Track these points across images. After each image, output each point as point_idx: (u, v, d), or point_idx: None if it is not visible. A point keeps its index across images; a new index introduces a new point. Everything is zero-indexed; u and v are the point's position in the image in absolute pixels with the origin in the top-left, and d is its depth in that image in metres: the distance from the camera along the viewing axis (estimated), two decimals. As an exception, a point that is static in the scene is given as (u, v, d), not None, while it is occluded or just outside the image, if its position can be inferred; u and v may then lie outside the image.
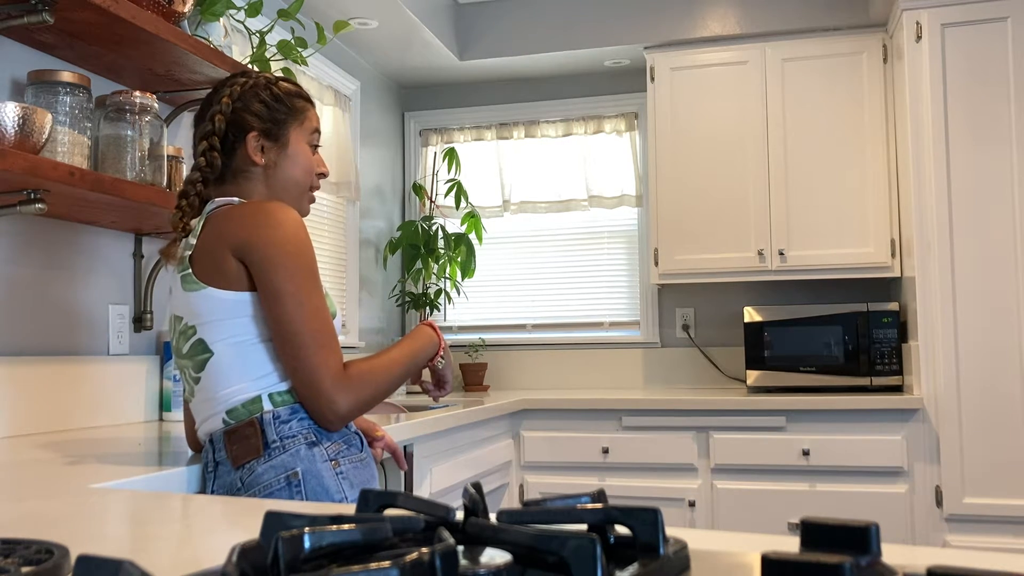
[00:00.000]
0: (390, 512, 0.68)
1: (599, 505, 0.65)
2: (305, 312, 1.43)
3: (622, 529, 0.65)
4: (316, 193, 1.93)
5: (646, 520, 0.62)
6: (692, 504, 3.23)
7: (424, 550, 0.51)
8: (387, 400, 2.98)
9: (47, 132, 1.74)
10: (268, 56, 2.46)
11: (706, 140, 3.67)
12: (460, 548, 0.58)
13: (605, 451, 3.32)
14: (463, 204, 4.00)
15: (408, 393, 3.81)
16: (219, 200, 1.54)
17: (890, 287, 3.72)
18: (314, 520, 0.61)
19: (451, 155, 4.02)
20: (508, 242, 4.29)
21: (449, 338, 4.18)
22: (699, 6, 3.73)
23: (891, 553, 0.71)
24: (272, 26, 2.53)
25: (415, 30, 3.63)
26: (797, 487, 3.15)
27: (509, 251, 4.29)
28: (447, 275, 4.04)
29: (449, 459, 2.64)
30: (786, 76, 3.60)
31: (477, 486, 0.70)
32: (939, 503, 3.05)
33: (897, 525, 3.06)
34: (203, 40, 2.20)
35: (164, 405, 2.47)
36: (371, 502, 0.73)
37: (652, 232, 3.71)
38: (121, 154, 2.02)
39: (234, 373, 1.45)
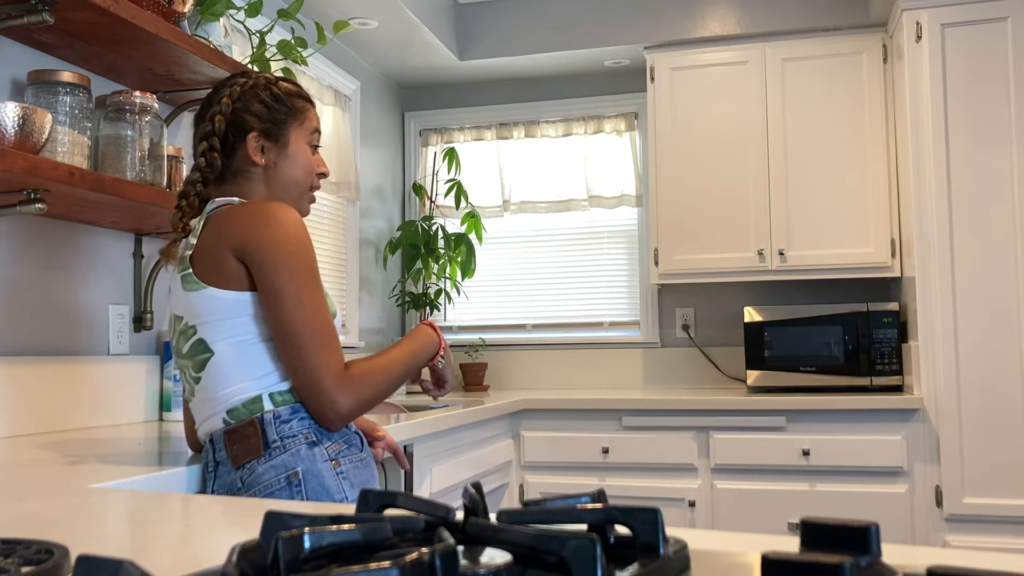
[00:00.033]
0: (390, 512, 0.68)
1: (599, 505, 0.65)
2: (306, 312, 1.43)
3: (622, 529, 0.65)
4: (316, 193, 1.92)
5: (646, 520, 0.62)
6: (692, 504, 3.23)
7: (424, 550, 0.51)
8: (387, 400, 2.97)
9: (47, 132, 1.74)
10: (268, 56, 2.46)
11: (706, 140, 3.67)
12: (460, 548, 0.58)
13: (605, 451, 3.32)
14: (463, 204, 4.00)
15: (408, 393, 3.81)
16: (219, 200, 1.54)
17: (890, 287, 3.72)
18: (314, 520, 0.61)
19: (451, 155, 4.02)
20: (508, 242, 4.29)
21: (449, 338, 4.18)
22: (699, 6, 3.73)
23: (891, 553, 0.71)
24: (272, 26, 2.53)
25: (415, 30, 3.63)
26: (797, 487, 3.15)
27: (509, 251, 4.29)
28: (447, 275, 4.04)
29: (449, 459, 2.64)
30: (786, 76, 3.60)
31: (477, 486, 0.70)
32: (939, 503, 3.05)
33: (897, 525, 3.06)
34: (203, 40, 2.20)
35: (164, 405, 2.47)
36: (371, 502, 0.73)
37: (652, 232, 3.71)
38: (121, 154, 2.02)
39: (234, 373, 1.45)
